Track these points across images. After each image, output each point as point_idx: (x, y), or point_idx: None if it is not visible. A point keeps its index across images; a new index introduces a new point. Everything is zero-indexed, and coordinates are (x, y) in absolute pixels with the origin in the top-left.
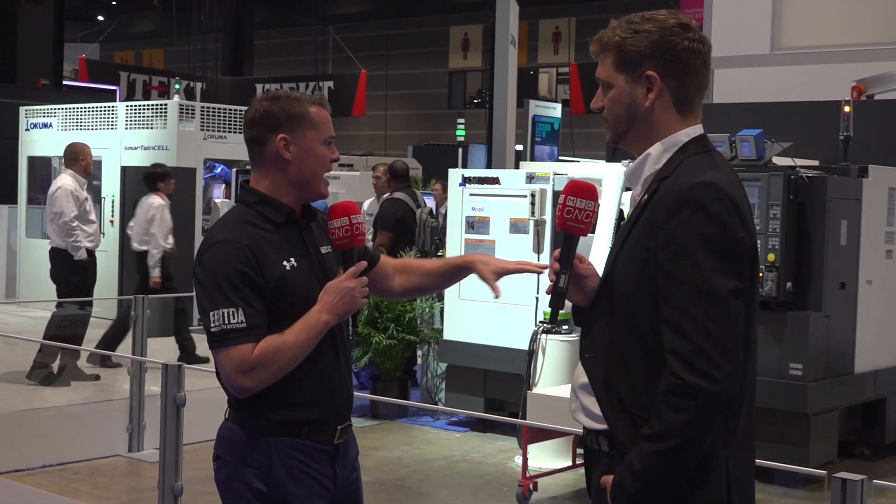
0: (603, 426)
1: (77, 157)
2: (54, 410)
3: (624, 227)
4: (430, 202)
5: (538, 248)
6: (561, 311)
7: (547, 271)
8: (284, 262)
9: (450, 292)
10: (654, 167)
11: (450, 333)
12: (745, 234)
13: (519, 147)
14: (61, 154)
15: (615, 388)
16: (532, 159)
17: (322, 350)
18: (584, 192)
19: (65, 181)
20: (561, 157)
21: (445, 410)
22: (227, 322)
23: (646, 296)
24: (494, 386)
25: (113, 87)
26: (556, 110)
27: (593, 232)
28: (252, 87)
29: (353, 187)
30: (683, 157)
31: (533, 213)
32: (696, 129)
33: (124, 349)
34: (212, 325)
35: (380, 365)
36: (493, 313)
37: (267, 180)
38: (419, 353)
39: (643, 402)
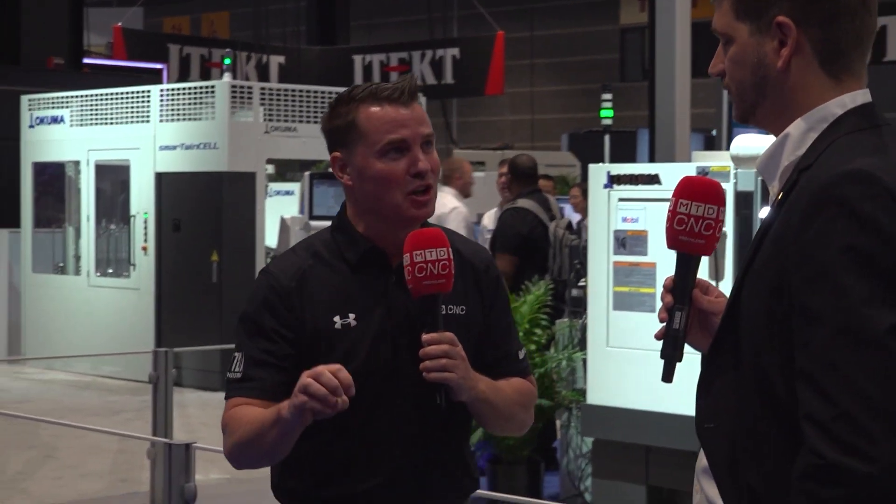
0: None
1: (453, 174)
2: None
3: (753, 241)
4: (571, 213)
5: (717, 274)
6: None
7: (657, 314)
8: (336, 318)
9: (595, 337)
10: (795, 153)
11: (596, 395)
12: None
13: (714, 132)
14: (77, 158)
15: (743, 473)
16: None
17: (380, 417)
18: (703, 192)
19: (453, 202)
20: None
21: None
22: (231, 369)
23: (779, 340)
24: (660, 469)
25: (159, 66)
26: None
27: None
28: (348, 59)
29: (476, 194)
30: (835, 138)
31: None
32: (855, 97)
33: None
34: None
35: (500, 441)
36: (655, 367)
37: (350, 203)
38: (558, 423)
39: (781, 493)
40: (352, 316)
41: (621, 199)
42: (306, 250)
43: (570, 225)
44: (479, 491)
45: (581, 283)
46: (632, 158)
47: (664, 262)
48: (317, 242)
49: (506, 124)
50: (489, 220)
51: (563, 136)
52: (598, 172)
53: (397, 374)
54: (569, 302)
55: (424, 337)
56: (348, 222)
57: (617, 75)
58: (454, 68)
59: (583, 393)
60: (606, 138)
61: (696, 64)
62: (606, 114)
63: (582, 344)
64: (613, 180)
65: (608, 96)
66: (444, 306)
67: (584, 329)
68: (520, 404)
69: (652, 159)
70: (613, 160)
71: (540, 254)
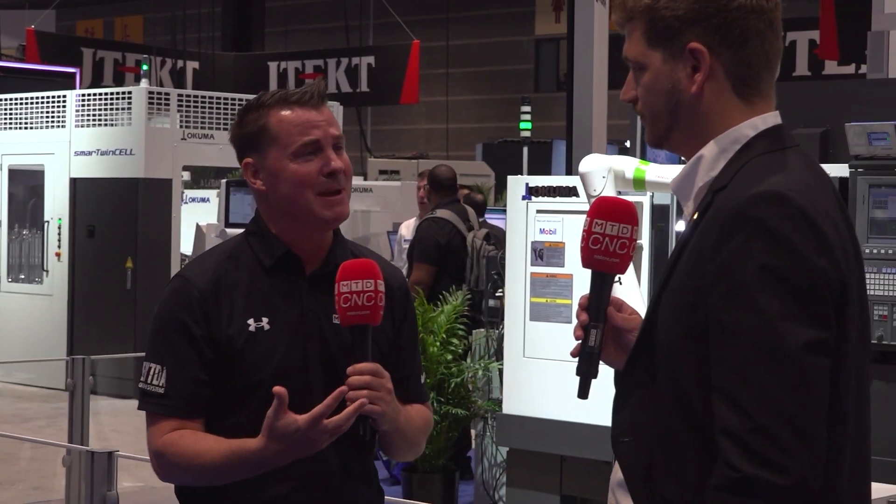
0: None
1: None
2: None
3: (669, 260)
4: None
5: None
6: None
7: (573, 326)
8: (250, 321)
9: (511, 348)
10: (709, 174)
11: (512, 405)
12: (829, 262)
13: (628, 144)
14: None
15: (658, 486)
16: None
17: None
18: (617, 212)
19: None
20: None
21: None
22: (147, 380)
23: (695, 356)
24: (574, 479)
25: (72, 70)
26: None
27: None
28: (263, 65)
29: (391, 203)
30: (747, 159)
31: None
32: (766, 119)
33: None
34: (140, 376)
35: None
36: (570, 377)
37: (264, 209)
38: (473, 432)
39: None
40: (265, 320)
41: (539, 211)
42: (221, 254)
43: (487, 235)
44: (395, 499)
45: (498, 294)
46: (547, 169)
47: (581, 273)
48: (231, 246)
49: (420, 133)
50: (407, 230)
51: (477, 146)
52: (517, 184)
53: (307, 382)
54: (486, 312)
55: (348, 369)
56: (265, 226)
57: (531, 86)
58: (369, 76)
59: (498, 403)
60: (525, 150)
61: (612, 75)
62: (525, 126)
63: (498, 354)
64: (532, 192)
65: (527, 109)
66: (334, 314)
67: (500, 339)
68: (424, 433)
69: (569, 171)
70: (530, 171)
71: (457, 264)
